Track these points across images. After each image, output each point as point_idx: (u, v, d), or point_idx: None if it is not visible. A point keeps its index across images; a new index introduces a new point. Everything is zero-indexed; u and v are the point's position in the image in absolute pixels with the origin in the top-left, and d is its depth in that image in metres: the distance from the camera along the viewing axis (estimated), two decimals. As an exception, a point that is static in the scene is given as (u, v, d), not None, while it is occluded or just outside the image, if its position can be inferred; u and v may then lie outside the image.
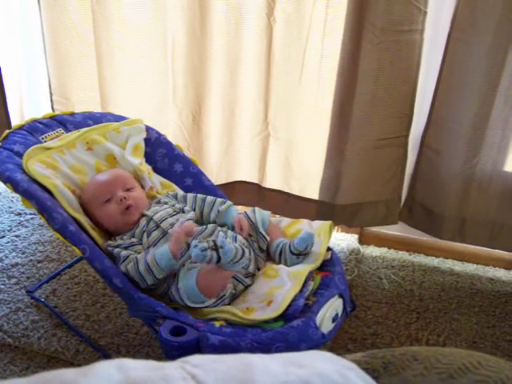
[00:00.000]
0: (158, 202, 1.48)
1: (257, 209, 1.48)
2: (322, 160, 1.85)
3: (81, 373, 0.48)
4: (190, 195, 1.52)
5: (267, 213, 1.48)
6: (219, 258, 1.21)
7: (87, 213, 1.43)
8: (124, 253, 1.32)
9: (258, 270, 1.39)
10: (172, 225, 1.39)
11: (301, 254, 1.37)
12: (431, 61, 1.67)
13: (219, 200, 1.50)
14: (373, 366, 0.64)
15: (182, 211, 1.45)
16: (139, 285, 1.29)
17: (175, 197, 1.51)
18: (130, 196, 1.43)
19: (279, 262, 1.40)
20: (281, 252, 1.40)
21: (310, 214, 1.91)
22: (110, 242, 1.37)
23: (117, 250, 1.33)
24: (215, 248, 1.20)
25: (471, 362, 0.63)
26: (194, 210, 1.48)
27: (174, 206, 1.46)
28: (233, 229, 1.43)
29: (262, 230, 1.42)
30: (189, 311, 1.26)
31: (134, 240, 1.37)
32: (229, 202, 1.50)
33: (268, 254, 1.45)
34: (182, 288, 1.25)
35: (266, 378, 0.52)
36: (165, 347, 1.15)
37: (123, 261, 1.31)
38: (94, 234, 1.36)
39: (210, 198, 1.51)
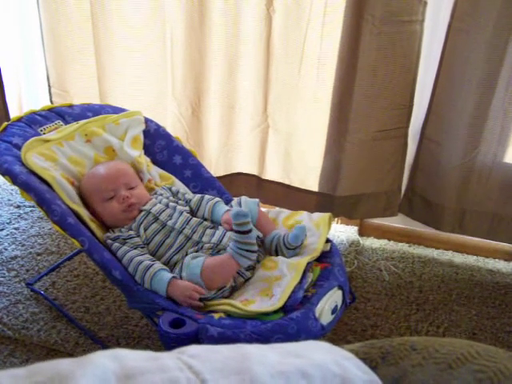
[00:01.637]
0: (155, 195, 1.47)
1: (243, 200, 1.46)
2: (321, 151, 1.84)
3: (76, 363, 0.48)
4: (196, 197, 1.49)
5: (255, 201, 1.45)
6: (250, 230, 1.26)
7: (86, 202, 1.43)
8: (121, 251, 1.31)
9: (258, 262, 1.39)
10: (170, 216, 1.39)
11: (297, 247, 1.37)
12: (431, 51, 1.66)
13: (207, 197, 1.48)
14: (371, 357, 0.64)
15: (177, 203, 1.45)
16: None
17: (170, 189, 1.50)
18: (132, 194, 1.42)
19: (277, 256, 1.39)
20: (276, 247, 1.39)
21: (310, 206, 1.91)
22: (108, 234, 1.36)
23: (115, 244, 1.33)
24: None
25: (470, 352, 0.63)
26: (194, 210, 1.46)
27: (168, 198, 1.46)
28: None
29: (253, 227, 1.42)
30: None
31: (131, 233, 1.37)
32: (216, 199, 1.48)
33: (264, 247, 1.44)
34: (186, 278, 1.25)
35: (262, 368, 0.52)
36: (164, 339, 1.14)
37: (122, 258, 1.30)
38: (92, 225, 1.36)
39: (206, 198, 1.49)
